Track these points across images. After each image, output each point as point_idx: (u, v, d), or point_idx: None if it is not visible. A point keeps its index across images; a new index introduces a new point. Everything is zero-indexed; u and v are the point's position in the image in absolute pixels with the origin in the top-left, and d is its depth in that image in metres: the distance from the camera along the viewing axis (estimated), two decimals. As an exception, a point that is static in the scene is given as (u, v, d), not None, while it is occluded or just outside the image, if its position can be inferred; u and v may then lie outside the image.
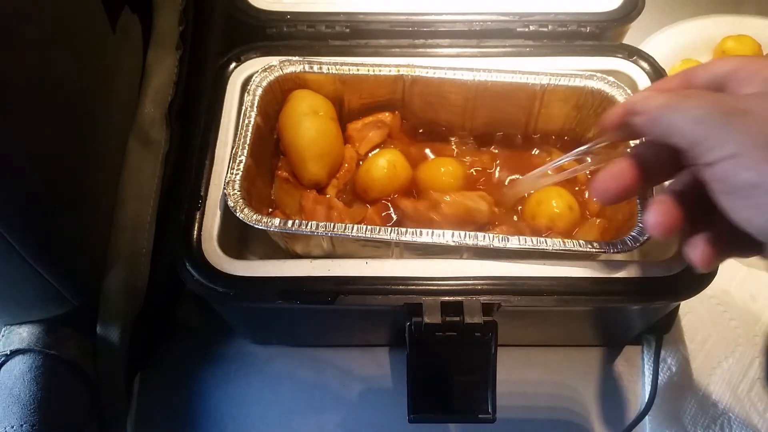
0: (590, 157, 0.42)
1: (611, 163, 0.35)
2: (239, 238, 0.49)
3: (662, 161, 0.33)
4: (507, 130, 0.52)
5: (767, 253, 0.30)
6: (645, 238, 0.40)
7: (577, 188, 0.49)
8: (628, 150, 0.36)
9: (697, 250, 0.31)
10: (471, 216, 0.45)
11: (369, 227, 0.40)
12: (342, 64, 0.48)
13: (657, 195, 0.33)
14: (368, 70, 0.48)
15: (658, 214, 0.32)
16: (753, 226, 0.27)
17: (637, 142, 0.39)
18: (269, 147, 0.49)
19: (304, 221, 0.41)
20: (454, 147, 0.51)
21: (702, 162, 0.28)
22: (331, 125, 0.48)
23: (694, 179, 0.31)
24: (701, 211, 0.31)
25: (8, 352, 0.44)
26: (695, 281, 0.41)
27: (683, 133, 0.29)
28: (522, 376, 0.54)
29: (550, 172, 0.45)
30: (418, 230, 0.40)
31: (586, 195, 0.48)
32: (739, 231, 0.28)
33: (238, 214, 0.41)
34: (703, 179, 0.29)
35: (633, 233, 0.40)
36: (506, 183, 0.49)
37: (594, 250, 0.40)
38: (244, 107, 0.46)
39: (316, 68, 0.48)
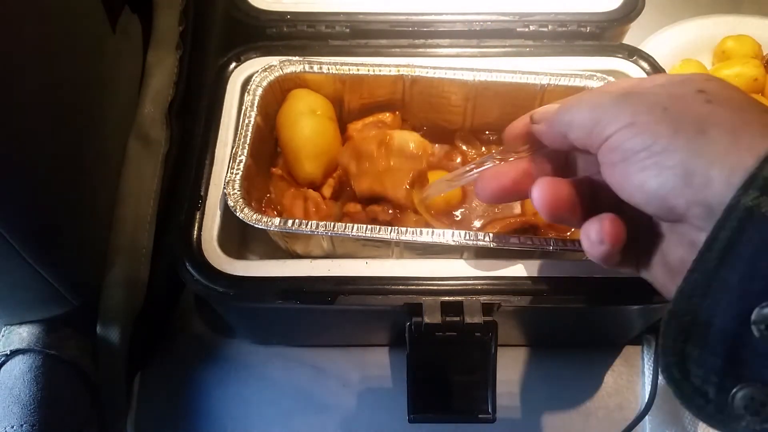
0: (490, 161, 0.40)
1: (500, 164, 0.35)
2: (239, 238, 0.49)
3: (552, 167, 0.34)
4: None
5: (642, 272, 0.30)
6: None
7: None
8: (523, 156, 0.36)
9: (593, 230, 0.29)
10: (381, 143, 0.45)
11: (369, 227, 0.40)
12: (342, 64, 0.48)
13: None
14: (368, 70, 0.48)
15: (543, 188, 0.31)
16: (645, 192, 0.26)
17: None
18: (269, 147, 0.49)
19: (304, 221, 0.41)
20: (457, 145, 0.52)
21: (598, 142, 0.28)
22: (328, 124, 0.48)
23: (586, 180, 0.32)
24: (592, 207, 0.31)
25: (8, 352, 0.44)
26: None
27: (581, 122, 0.29)
28: (522, 376, 0.54)
29: (449, 178, 0.43)
30: (418, 230, 0.40)
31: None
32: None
33: (238, 214, 0.41)
34: (599, 162, 0.29)
35: (633, 233, 0.40)
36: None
37: (594, 250, 0.40)
38: (244, 107, 0.46)
39: (316, 68, 0.48)
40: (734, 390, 0.22)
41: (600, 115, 0.28)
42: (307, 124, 0.47)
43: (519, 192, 0.35)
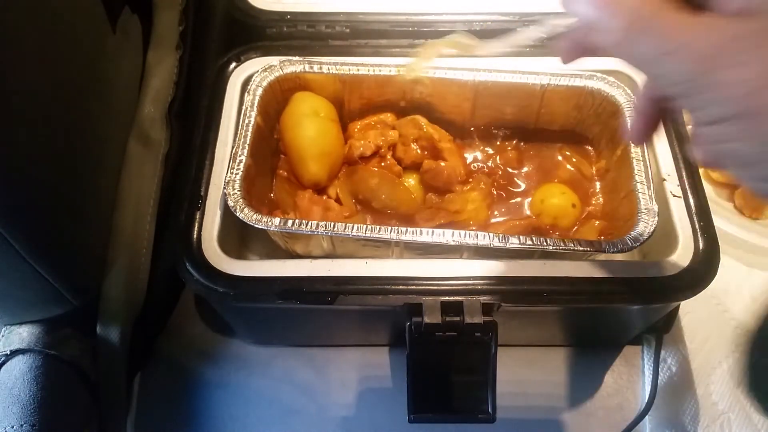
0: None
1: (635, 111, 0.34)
2: (239, 238, 0.49)
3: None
4: (507, 129, 0.52)
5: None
6: (645, 238, 0.40)
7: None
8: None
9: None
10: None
11: (369, 227, 0.40)
12: (342, 64, 0.48)
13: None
14: (368, 70, 0.48)
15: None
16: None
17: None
18: (269, 147, 0.49)
19: (304, 221, 0.41)
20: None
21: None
22: (331, 126, 0.48)
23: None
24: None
25: (8, 352, 0.44)
26: (695, 281, 0.41)
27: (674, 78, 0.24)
28: (522, 376, 0.54)
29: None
30: (418, 230, 0.40)
31: (590, 191, 0.49)
32: None
33: (238, 214, 0.41)
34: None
35: (633, 233, 0.40)
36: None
37: (594, 250, 0.40)
38: (244, 107, 0.46)
39: (316, 68, 0.48)
40: None
41: (689, 90, 0.23)
42: (311, 126, 0.47)
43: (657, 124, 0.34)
